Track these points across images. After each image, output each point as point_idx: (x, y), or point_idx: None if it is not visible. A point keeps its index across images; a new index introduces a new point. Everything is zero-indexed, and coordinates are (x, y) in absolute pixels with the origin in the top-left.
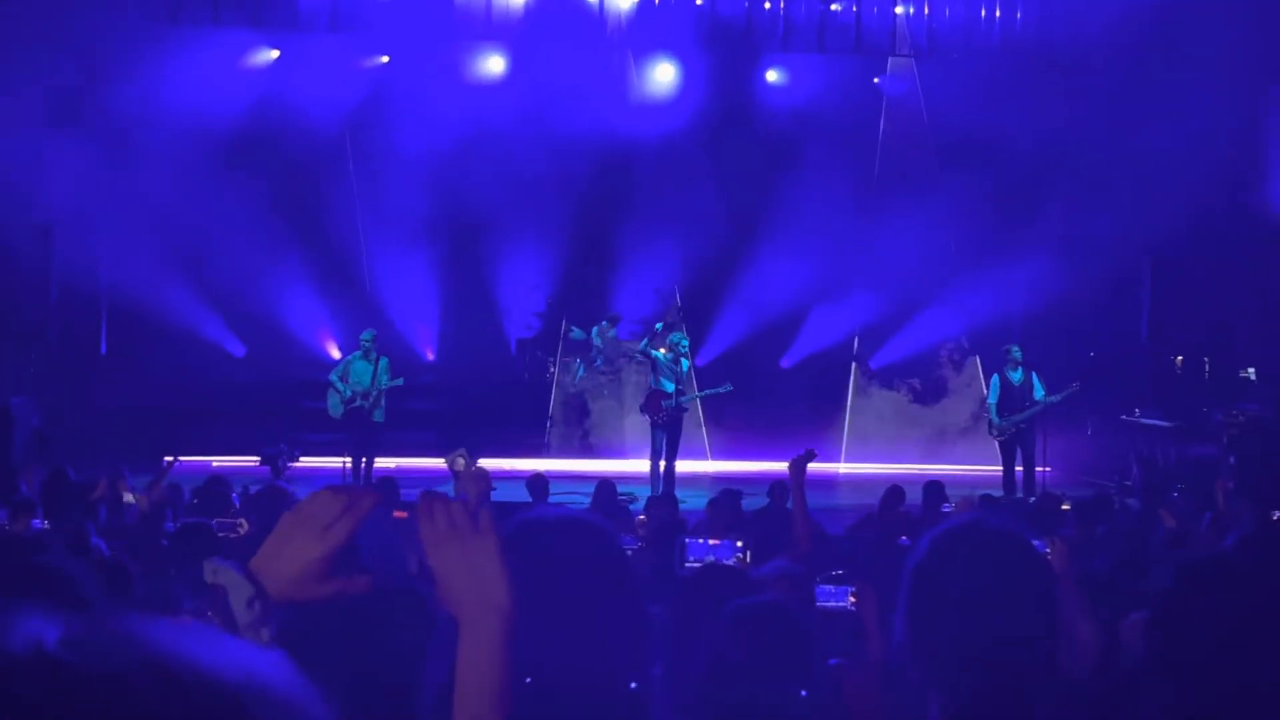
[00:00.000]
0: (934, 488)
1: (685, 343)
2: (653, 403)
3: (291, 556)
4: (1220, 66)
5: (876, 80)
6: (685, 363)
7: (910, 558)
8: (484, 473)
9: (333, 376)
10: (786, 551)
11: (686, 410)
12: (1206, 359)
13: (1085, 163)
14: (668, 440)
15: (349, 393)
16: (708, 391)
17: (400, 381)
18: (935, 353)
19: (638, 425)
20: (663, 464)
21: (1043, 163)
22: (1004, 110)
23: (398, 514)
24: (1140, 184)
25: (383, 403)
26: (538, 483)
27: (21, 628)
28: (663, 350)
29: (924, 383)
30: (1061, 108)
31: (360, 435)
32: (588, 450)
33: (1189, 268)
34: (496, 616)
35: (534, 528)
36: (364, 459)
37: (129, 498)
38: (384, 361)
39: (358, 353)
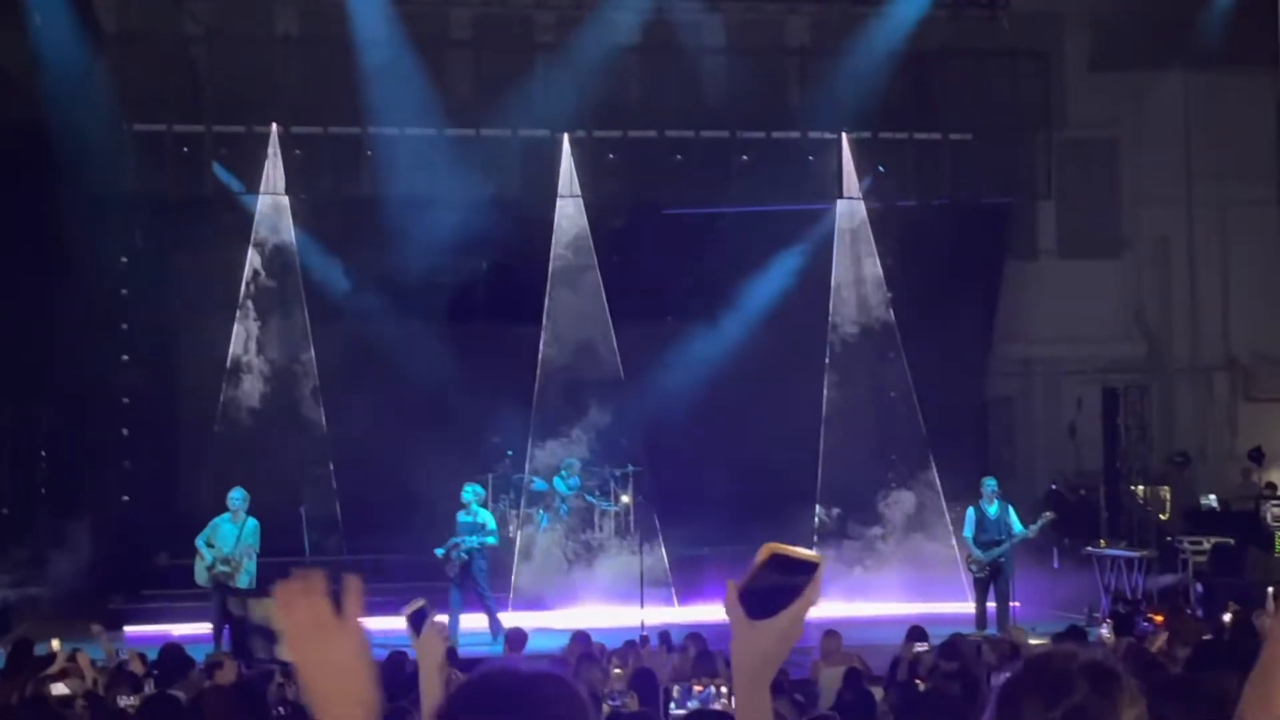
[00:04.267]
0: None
1: (468, 493)
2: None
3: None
4: None
5: None
6: (481, 512)
7: None
8: (443, 627)
9: (199, 542)
10: None
11: (463, 559)
12: (1167, 488)
13: None
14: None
15: (211, 559)
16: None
17: (252, 545)
18: (900, 490)
19: (608, 575)
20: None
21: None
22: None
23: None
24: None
25: (248, 567)
26: (516, 637)
27: None
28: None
29: (890, 521)
30: None
31: (224, 603)
32: (554, 601)
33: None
34: (361, 711)
35: (494, 678)
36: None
37: (88, 675)
38: (251, 524)
39: (226, 515)
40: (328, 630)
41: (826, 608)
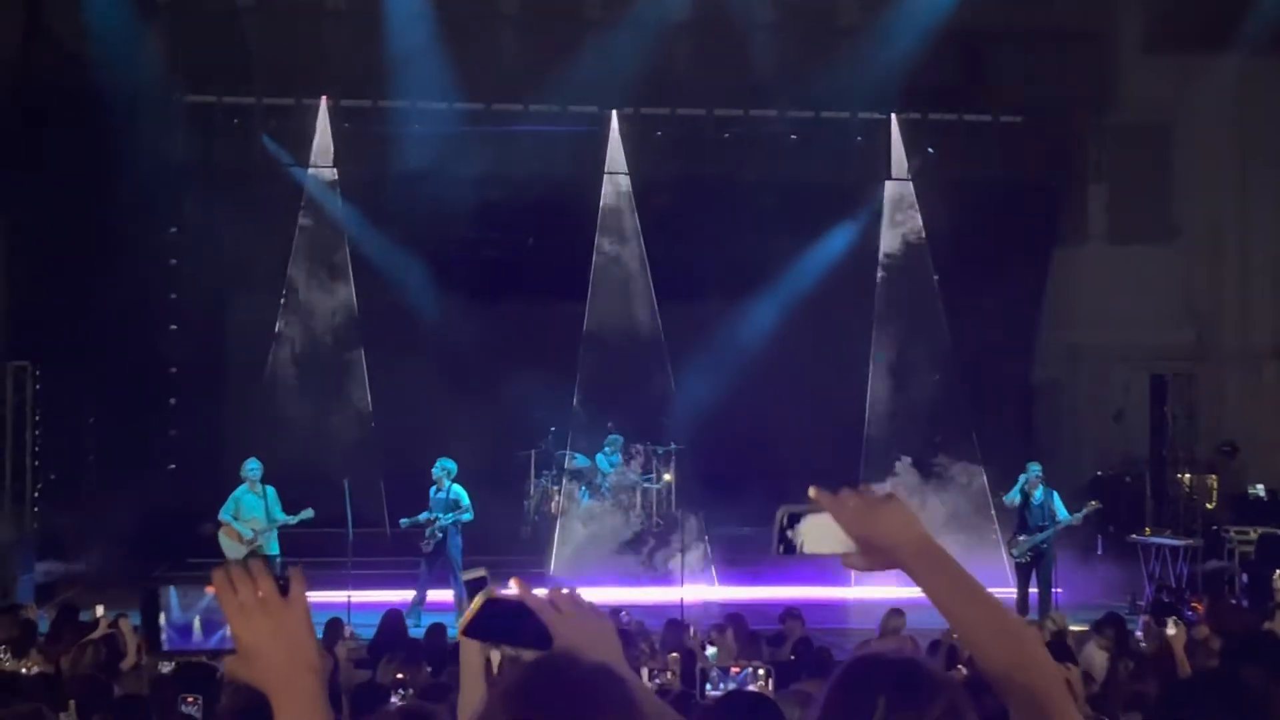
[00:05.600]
0: None
1: (438, 469)
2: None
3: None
4: None
5: None
6: (454, 487)
7: None
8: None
9: (225, 516)
10: None
11: (439, 537)
12: (1214, 476)
13: None
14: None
15: (250, 532)
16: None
17: (310, 514)
18: (943, 473)
19: (648, 552)
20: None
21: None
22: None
23: (208, 589)
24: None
25: (274, 533)
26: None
27: None
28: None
29: (933, 504)
30: None
31: None
32: (594, 579)
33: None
34: (311, 675)
35: (547, 670)
36: None
37: (130, 648)
38: (272, 491)
39: (243, 486)
40: (274, 606)
41: (886, 590)
